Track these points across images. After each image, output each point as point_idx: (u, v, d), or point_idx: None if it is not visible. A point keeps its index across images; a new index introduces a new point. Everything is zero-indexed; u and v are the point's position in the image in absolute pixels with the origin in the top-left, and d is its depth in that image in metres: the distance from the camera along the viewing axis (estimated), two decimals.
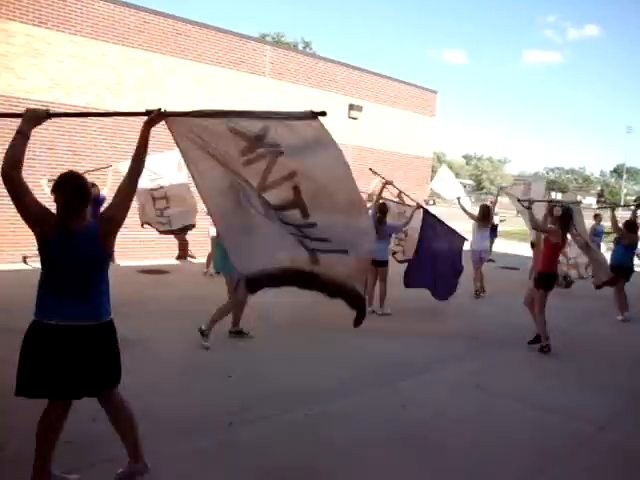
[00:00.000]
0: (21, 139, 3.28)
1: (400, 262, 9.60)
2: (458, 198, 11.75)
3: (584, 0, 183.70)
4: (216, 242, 7.02)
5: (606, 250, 15.19)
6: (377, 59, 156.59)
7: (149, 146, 3.32)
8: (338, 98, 16.15)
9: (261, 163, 3.26)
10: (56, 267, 3.09)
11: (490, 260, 16.48)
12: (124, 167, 8.16)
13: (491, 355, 6.84)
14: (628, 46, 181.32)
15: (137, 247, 11.98)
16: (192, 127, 3.27)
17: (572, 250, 11.18)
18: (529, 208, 7.54)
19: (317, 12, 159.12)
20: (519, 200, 9.11)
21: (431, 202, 15.61)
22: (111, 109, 11.71)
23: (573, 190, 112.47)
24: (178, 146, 3.34)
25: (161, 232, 8.83)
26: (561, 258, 9.29)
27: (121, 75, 11.91)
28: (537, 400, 5.39)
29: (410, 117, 18.30)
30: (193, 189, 8.02)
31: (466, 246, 9.84)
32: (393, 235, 9.01)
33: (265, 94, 14.42)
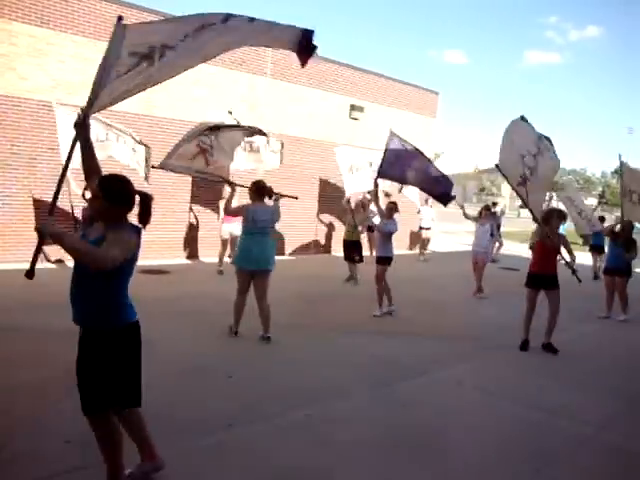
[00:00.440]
0: None
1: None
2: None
3: (585, 1, 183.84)
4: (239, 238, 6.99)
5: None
6: (378, 60, 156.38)
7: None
8: (339, 99, 16.16)
9: None
10: (131, 272, 3.33)
11: (493, 261, 16.53)
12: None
13: (491, 356, 6.85)
14: (629, 47, 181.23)
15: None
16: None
17: None
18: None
19: (318, 12, 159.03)
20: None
21: (430, 203, 15.64)
22: (113, 109, 11.62)
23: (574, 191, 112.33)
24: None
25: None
26: None
27: None
28: (536, 401, 5.41)
29: (411, 118, 18.29)
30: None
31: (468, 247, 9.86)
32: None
33: (266, 94, 14.44)
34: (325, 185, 16.01)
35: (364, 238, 12.75)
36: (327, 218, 16.02)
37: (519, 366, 6.56)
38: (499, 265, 15.72)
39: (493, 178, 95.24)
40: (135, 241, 3.15)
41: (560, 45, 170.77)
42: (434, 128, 19.51)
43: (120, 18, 3.58)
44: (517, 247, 19.80)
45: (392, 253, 8.62)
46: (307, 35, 3.49)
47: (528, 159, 6.64)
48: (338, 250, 13.60)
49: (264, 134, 8.53)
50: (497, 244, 16.10)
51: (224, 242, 11.33)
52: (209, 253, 12.75)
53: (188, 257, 13.11)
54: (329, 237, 16.22)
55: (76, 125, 3.42)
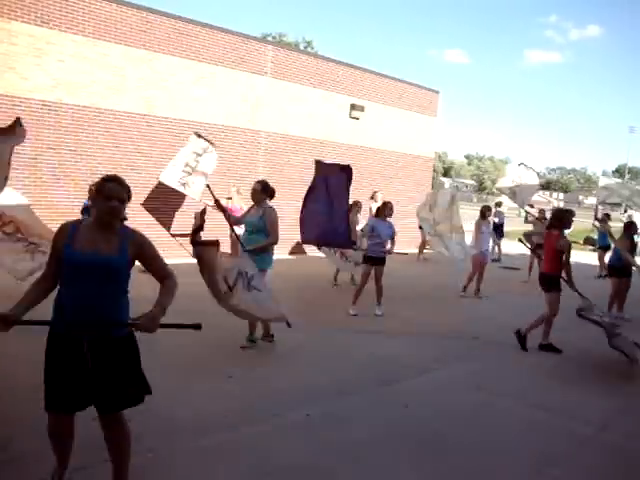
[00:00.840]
0: None
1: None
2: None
3: (585, 0, 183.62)
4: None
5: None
6: (379, 59, 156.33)
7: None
8: (340, 98, 16.16)
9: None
10: None
11: (494, 260, 16.51)
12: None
13: (492, 355, 6.85)
14: (630, 46, 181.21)
15: None
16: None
17: None
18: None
19: (318, 12, 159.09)
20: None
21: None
22: (113, 109, 11.72)
23: (575, 190, 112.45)
24: None
25: None
26: None
27: (123, 75, 11.92)
28: (537, 400, 5.40)
29: (412, 117, 18.29)
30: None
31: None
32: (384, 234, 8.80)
33: (266, 94, 14.43)
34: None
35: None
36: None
37: (520, 365, 6.55)
38: (500, 264, 15.72)
39: (494, 177, 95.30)
40: None
41: (560, 44, 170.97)
42: (435, 127, 19.49)
43: None
44: (518, 246, 19.75)
45: (381, 253, 8.59)
46: None
47: None
48: None
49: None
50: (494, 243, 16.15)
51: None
52: None
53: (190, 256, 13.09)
54: None
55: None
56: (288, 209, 15.09)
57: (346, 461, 3.98)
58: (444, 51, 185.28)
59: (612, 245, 15.22)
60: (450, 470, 3.98)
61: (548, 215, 13.47)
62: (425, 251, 16.43)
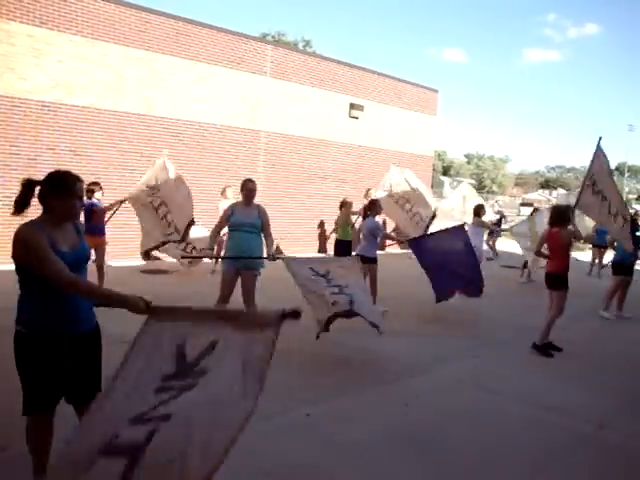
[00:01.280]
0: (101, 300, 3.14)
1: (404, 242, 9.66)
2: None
3: None
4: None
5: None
6: (378, 58, 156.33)
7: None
8: (339, 97, 16.16)
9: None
10: None
11: (489, 259, 16.52)
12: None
13: (492, 354, 6.85)
14: (628, 44, 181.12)
15: (138, 247, 11.99)
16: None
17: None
18: None
19: (317, 11, 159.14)
20: None
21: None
22: (112, 109, 11.73)
23: (575, 189, 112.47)
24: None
25: (175, 241, 8.62)
26: None
27: (122, 75, 11.93)
28: (537, 399, 5.40)
29: (411, 116, 18.30)
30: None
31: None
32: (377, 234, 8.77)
33: (266, 93, 14.44)
34: (325, 184, 16.01)
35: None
36: (328, 217, 16.01)
37: (520, 364, 6.55)
38: (500, 263, 15.73)
39: (493, 176, 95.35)
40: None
41: (559, 42, 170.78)
42: (434, 126, 19.50)
43: None
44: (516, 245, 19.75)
45: (373, 253, 8.56)
46: None
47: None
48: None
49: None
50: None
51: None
52: None
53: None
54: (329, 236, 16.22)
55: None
56: (288, 208, 15.14)
57: (346, 461, 3.98)
58: (443, 50, 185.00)
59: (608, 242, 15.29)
60: (450, 469, 3.98)
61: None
62: None
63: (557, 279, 6.94)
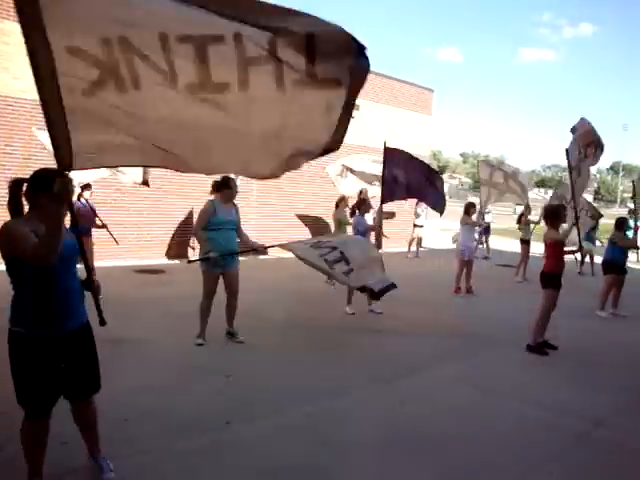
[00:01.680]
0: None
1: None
2: None
3: None
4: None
5: (601, 247, 15.22)
6: (374, 57, 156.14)
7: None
8: None
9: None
10: None
11: (485, 257, 16.54)
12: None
13: (488, 353, 6.85)
14: (622, 44, 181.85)
15: (133, 246, 11.97)
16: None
17: None
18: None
19: (312, 11, 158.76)
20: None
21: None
22: None
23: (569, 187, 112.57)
24: None
25: None
26: None
27: None
28: (534, 398, 5.40)
29: (407, 115, 18.29)
30: None
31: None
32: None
33: None
34: (322, 183, 15.99)
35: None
36: (324, 217, 15.99)
37: (517, 363, 6.55)
38: (495, 262, 15.75)
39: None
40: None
41: (554, 42, 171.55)
42: (430, 125, 19.50)
43: None
44: (511, 243, 19.80)
45: None
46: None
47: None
48: None
49: None
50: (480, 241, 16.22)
51: None
52: None
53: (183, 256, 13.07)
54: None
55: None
56: (281, 207, 15.10)
57: (344, 460, 3.97)
58: (439, 49, 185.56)
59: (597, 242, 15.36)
60: (448, 467, 3.97)
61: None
62: (421, 249, 16.47)
63: (547, 277, 6.95)
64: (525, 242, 13.18)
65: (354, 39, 2.84)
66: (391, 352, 6.62)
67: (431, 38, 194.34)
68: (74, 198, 7.47)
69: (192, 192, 12.46)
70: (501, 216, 30.79)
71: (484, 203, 11.11)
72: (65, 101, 2.61)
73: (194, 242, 10.56)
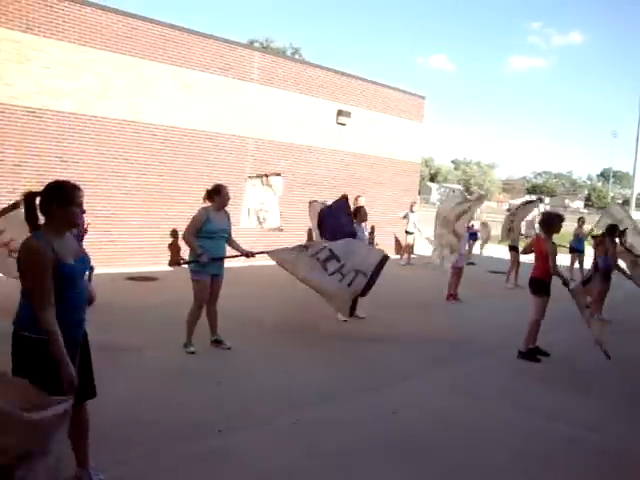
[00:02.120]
0: None
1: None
2: None
3: (568, 7, 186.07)
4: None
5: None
6: (365, 65, 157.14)
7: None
8: (326, 104, 16.18)
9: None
10: None
11: (470, 263, 16.57)
12: None
13: (479, 359, 6.86)
14: (611, 52, 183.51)
15: (125, 253, 11.93)
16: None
17: None
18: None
19: (306, 19, 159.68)
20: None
21: (416, 207, 15.88)
22: (99, 115, 11.66)
23: (561, 194, 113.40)
24: None
25: None
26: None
27: (109, 81, 11.87)
28: (525, 404, 5.41)
29: (398, 123, 18.35)
30: None
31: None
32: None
33: (253, 100, 14.43)
34: (313, 190, 16.01)
35: None
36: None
37: (508, 369, 6.57)
38: (486, 269, 15.79)
39: (480, 182, 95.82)
40: None
41: (544, 50, 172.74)
42: (421, 133, 19.58)
43: None
44: (502, 250, 19.86)
45: None
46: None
47: None
48: None
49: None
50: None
51: None
52: None
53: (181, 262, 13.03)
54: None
55: None
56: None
57: (333, 467, 3.97)
58: (430, 57, 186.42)
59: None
60: (439, 475, 3.97)
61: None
62: (413, 256, 16.49)
63: (538, 284, 6.96)
64: (514, 249, 13.22)
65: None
66: (382, 359, 6.62)
67: (423, 46, 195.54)
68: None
69: (184, 199, 12.46)
70: (491, 223, 30.81)
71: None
72: None
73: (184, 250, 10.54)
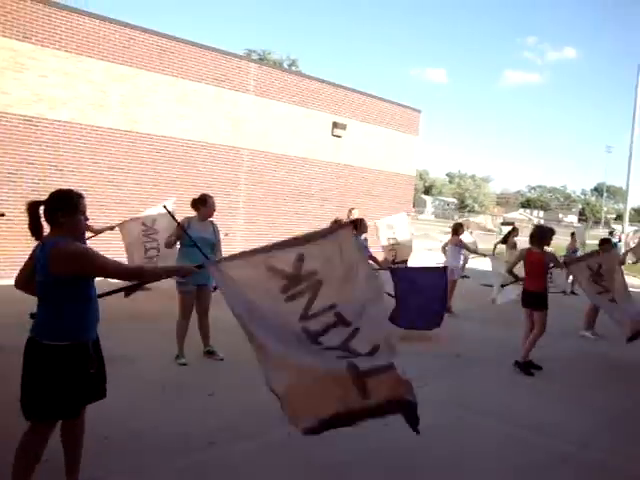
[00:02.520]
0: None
1: (396, 263, 10.36)
2: None
3: (562, 23, 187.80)
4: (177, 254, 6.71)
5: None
6: (362, 78, 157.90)
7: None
8: (322, 116, 16.26)
9: (303, 298, 3.34)
10: None
11: (464, 276, 16.59)
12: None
13: (472, 372, 6.86)
14: (604, 68, 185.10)
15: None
16: (233, 277, 3.31)
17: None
18: None
19: (304, 31, 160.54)
20: None
21: (412, 212, 15.84)
22: (95, 125, 11.68)
23: (555, 208, 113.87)
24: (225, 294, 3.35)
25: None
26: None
27: (105, 91, 11.90)
28: (518, 418, 5.40)
29: (393, 135, 18.45)
30: None
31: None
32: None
33: (249, 111, 14.48)
34: (307, 202, 16.04)
35: None
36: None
37: (501, 382, 6.56)
38: (479, 282, 15.79)
39: (475, 195, 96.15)
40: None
41: (539, 65, 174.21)
42: (416, 146, 19.67)
43: None
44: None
45: None
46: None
47: None
48: None
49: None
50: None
51: None
52: None
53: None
54: None
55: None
56: (269, 227, 15.12)
57: (328, 479, 3.95)
58: (426, 70, 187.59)
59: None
60: None
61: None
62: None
63: (539, 298, 7.00)
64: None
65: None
66: None
67: (418, 59, 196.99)
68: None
69: (179, 209, 12.43)
70: (487, 236, 30.94)
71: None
72: None
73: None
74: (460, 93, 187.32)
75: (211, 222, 6.51)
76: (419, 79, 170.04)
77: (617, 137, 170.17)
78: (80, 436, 3.45)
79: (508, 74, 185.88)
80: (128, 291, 3.49)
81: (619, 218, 28.00)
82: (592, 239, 17.62)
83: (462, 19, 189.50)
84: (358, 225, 8.75)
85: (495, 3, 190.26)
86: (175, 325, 6.50)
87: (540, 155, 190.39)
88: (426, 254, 22.28)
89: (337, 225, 3.28)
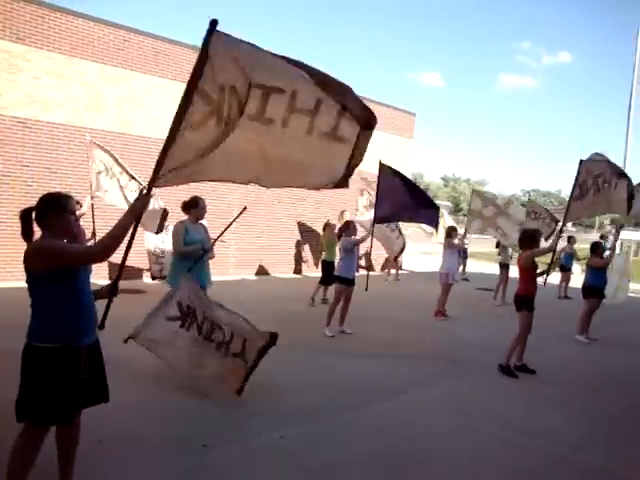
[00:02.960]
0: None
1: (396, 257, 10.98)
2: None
3: (557, 28, 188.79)
4: (172, 258, 6.89)
5: (581, 272, 15.41)
6: (357, 81, 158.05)
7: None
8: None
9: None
10: None
11: (465, 279, 16.65)
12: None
13: (467, 377, 6.84)
14: (599, 72, 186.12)
15: (115, 265, 11.84)
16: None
17: None
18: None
19: (298, 35, 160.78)
20: None
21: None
22: (89, 127, 11.63)
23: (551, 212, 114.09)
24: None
25: None
26: None
27: (99, 93, 11.86)
28: (513, 422, 5.39)
29: (388, 139, 18.44)
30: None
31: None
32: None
33: None
34: (303, 205, 16.03)
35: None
36: (306, 238, 16.01)
37: (494, 387, 6.55)
38: (475, 285, 15.83)
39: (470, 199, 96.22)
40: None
41: (534, 69, 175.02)
42: (411, 149, 19.68)
43: (214, 23, 3.43)
44: (493, 267, 19.93)
45: (350, 274, 8.52)
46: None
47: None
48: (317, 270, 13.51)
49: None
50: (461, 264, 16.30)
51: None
52: None
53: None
54: (302, 256, 16.19)
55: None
56: (262, 228, 15.09)
57: None
58: (421, 73, 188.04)
59: (574, 266, 15.62)
60: None
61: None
62: (401, 272, 16.50)
63: (522, 300, 7.01)
64: (504, 266, 13.30)
65: (372, 115, 4.02)
66: (369, 376, 6.58)
67: (414, 63, 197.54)
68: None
69: (174, 211, 12.39)
70: (481, 240, 30.97)
71: (468, 230, 11.31)
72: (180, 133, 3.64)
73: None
74: (455, 96, 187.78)
75: (201, 224, 6.55)
76: (415, 82, 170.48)
77: (611, 141, 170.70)
78: (75, 440, 3.42)
79: (503, 78, 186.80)
80: (114, 289, 3.43)
81: (614, 222, 28.00)
82: (587, 243, 17.68)
83: (458, 23, 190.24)
84: (347, 228, 8.74)
85: (490, 8, 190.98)
86: None
87: (535, 159, 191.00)
88: (422, 257, 22.32)
89: None
